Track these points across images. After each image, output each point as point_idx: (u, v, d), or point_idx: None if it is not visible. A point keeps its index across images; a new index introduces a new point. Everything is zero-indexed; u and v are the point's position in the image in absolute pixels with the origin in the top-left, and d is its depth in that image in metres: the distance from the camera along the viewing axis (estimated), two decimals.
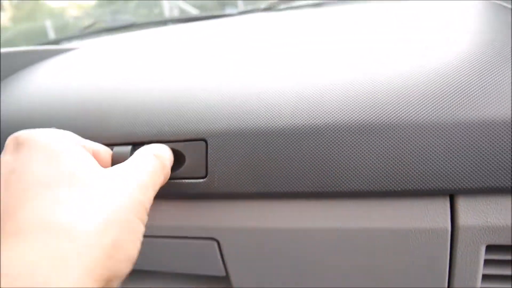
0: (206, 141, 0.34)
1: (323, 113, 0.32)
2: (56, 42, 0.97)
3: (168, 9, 1.58)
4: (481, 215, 0.30)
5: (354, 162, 0.31)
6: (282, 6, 0.79)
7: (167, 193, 0.33)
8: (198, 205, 0.36)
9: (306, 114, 0.32)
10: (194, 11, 1.20)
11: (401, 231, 0.31)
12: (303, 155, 0.32)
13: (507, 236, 0.30)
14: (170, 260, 0.40)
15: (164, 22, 0.94)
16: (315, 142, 0.31)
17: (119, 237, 0.23)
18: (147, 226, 0.30)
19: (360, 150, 0.30)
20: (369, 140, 0.30)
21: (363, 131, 0.30)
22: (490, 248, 0.31)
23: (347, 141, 0.31)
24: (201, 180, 0.34)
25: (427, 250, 0.32)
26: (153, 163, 0.29)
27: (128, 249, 0.24)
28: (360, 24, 0.50)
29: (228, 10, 0.95)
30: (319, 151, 0.31)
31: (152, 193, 0.27)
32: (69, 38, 0.98)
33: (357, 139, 0.31)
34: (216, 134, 0.33)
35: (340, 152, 0.31)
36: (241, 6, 0.98)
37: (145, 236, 0.34)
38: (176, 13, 1.32)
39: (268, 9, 0.80)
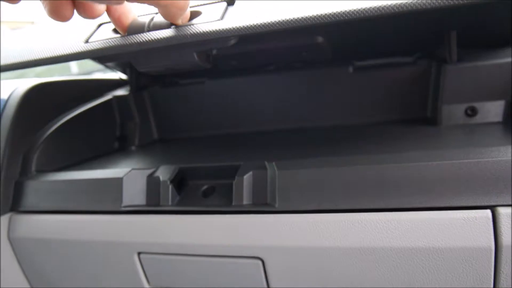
0: None
1: None
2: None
3: None
4: None
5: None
6: None
7: None
8: (240, 220, 0.35)
9: None
10: None
11: (441, 250, 0.31)
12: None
13: None
14: (212, 279, 0.39)
15: None
16: None
17: None
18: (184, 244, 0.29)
19: None
20: None
21: None
22: None
23: None
24: None
25: (470, 270, 0.31)
26: None
27: None
28: None
29: None
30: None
31: None
32: (90, 72, 0.98)
33: None
34: None
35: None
36: None
37: (184, 254, 0.33)
38: None
39: None
